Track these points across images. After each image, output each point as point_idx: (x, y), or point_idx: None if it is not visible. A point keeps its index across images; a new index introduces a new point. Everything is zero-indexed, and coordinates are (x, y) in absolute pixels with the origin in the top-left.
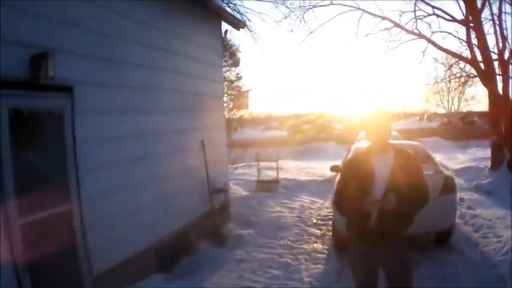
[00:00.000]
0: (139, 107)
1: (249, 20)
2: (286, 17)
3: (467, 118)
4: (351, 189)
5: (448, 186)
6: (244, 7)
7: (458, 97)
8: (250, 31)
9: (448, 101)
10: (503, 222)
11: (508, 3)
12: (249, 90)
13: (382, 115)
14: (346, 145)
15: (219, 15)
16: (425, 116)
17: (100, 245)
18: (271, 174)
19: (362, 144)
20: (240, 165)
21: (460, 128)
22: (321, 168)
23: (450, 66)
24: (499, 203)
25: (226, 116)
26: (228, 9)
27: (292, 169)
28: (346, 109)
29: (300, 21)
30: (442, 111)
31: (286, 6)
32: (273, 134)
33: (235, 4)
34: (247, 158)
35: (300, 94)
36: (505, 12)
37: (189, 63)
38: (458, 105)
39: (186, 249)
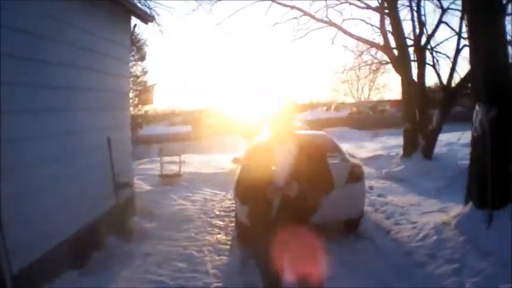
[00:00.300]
0: (46, 106)
1: (157, 14)
2: (194, 10)
3: (378, 107)
4: (254, 178)
5: (355, 174)
6: (153, 1)
7: (369, 85)
8: (158, 25)
9: (357, 90)
10: (418, 209)
11: None
12: (154, 85)
13: (286, 106)
14: (250, 137)
15: (129, 9)
16: (333, 106)
17: (17, 242)
18: (174, 168)
19: (266, 135)
20: (144, 160)
21: (370, 117)
22: (224, 161)
23: (360, 54)
24: (412, 189)
25: (132, 112)
26: (138, 4)
27: (195, 163)
28: (252, 102)
29: (208, 13)
30: (351, 100)
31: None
32: (178, 129)
33: None
34: (152, 153)
35: (205, 89)
36: None
37: (97, 58)
38: (369, 94)
39: (95, 244)
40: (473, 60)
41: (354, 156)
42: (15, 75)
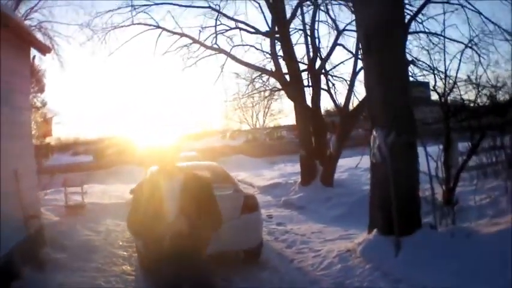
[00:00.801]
0: None
1: (57, 44)
2: (89, 39)
3: (274, 133)
4: (143, 213)
5: (250, 205)
6: (53, 30)
7: (264, 112)
8: (57, 55)
9: (252, 117)
10: (320, 237)
11: (322, 11)
12: (53, 117)
13: (167, 144)
14: (146, 167)
15: (28, 40)
16: (228, 134)
17: None
18: (78, 198)
19: (154, 169)
20: (49, 191)
21: (267, 144)
22: (123, 191)
23: (252, 81)
24: (313, 217)
25: (35, 143)
26: (39, 34)
27: (98, 193)
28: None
29: (102, 42)
30: (246, 127)
31: (90, 29)
32: (81, 158)
33: (46, 28)
34: (55, 183)
35: (105, 117)
36: (318, 21)
37: (2, 91)
38: (264, 120)
39: (12, 275)
40: (368, 81)
41: (251, 185)
42: None
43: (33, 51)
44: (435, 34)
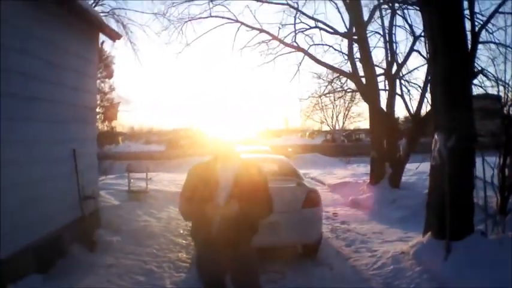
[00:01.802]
0: (14, 116)
1: (131, 31)
2: (165, 29)
3: (353, 135)
4: (195, 195)
5: (312, 199)
6: (127, 18)
7: (344, 114)
8: (131, 43)
9: (332, 118)
10: (379, 237)
11: (399, 15)
12: (120, 102)
13: (227, 138)
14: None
15: (97, 26)
16: (307, 133)
17: None
18: (142, 185)
19: (212, 154)
20: (112, 176)
21: (344, 145)
22: None
23: (330, 82)
24: (376, 218)
25: (100, 127)
26: (111, 21)
27: (164, 181)
28: (223, 125)
29: (179, 33)
30: (326, 128)
31: (167, 19)
32: (152, 148)
33: (118, 15)
34: (121, 169)
35: (180, 108)
36: (395, 25)
37: (65, 73)
38: (343, 122)
39: (60, 252)
40: (433, 85)
41: (322, 182)
42: None
43: (103, 37)
44: (503, 45)
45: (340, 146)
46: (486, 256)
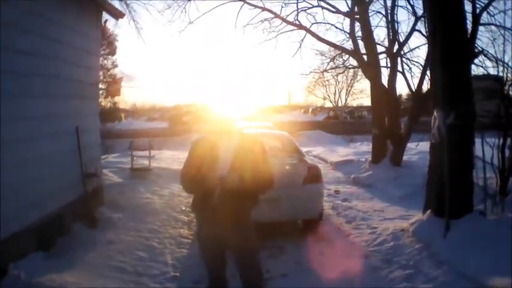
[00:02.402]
0: (16, 92)
1: (134, 10)
2: (168, 7)
3: (355, 112)
4: (196, 168)
5: (313, 175)
6: None
7: (346, 90)
8: (134, 21)
9: (334, 94)
10: (380, 215)
11: None
12: (122, 78)
13: (228, 115)
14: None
15: (99, 4)
16: (310, 110)
17: None
18: (146, 162)
19: (249, 131)
20: (115, 154)
21: (347, 123)
22: None
23: (333, 58)
24: (378, 195)
25: (103, 104)
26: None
27: (167, 159)
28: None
29: (182, 11)
30: (329, 105)
31: None
32: (155, 125)
33: None
34: (123, 147)
35: (183, 85)
36: (397, 6)
37: (68, 50)
38: (346, 99)
39: (61, 229)
40: (432, 63)
41: (325, 160)
42: None
43: (107, 16)
44: (503, 27)
45: (343, 123)
46: (485, 235)
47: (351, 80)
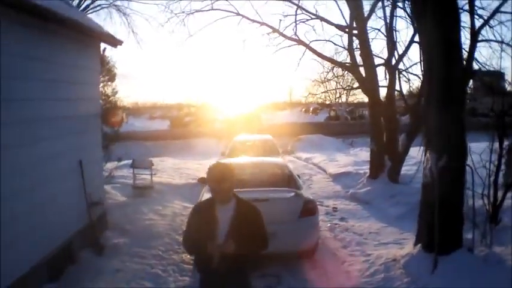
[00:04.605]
0: (21, 139)
1: (133, 20)
2: (168, 19)
3: (355, 111)
4: (197, 233)
5: (308, 209)
6: (130, 8)
7: (347, 92)
8: (134, 32)
9: (334, 94)
10: (376, 238)
11: (400, 8)
12: (124, 107)
13: (225, 168)
14: (225, 140)
15: (97, 37)
16: (311, 109)
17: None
18: (147, 177)
19: (241, 137)
20: (122, 163)
21: (347, 124)
22: (195, 169)
23: (332, 68)
24: (375, 214)
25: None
26: (114, 12)
27: (169, 169)
28: (228, 100)
29: (181, 25)
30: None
31: (171, 11)
32: (156, 124)
33: (118, 6)
34: (131, 154)
35: (184, 82)
36: (396, 16)
37: (69, 87)
38: (347, 98)
39: (70, 258)
40: (426, 108)
41: (325, 170)
42: None
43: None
44: (505, 43)
45: (344, 124)
46: (471, 272)
47: (351, 80)
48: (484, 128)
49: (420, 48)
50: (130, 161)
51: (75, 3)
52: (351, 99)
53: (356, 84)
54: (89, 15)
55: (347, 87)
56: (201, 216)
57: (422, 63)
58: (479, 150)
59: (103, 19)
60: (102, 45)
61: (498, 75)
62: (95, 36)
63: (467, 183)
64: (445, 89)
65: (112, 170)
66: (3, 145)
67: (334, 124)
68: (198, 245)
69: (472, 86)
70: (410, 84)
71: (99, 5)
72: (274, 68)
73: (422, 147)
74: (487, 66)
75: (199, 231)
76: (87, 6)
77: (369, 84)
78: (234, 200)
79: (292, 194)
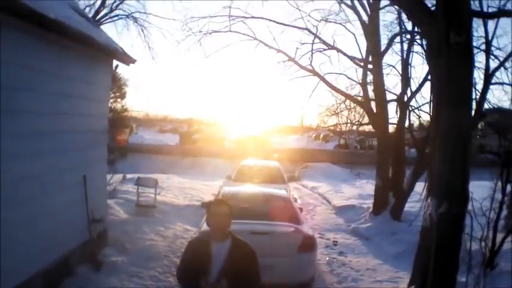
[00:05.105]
0: (26, 151)
1: (150, 33)
2: (185, 38)
3: (365, 141)
4: (191, 270)
5: (307, 244)
6: (148, 22)
7: (359, 120)
8: (149, 47)
9: (346, 124)
10: (372, 275)
11: (417, 44)
12: (132, 126)
13: (223, 206)
14: (233, 162)
15: (110, 54)
16: (321, 136)
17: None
18: (151, 195)
19: (249, 162)
20: (129, 176)
21: (357, 153)
22: (200, 190)
23: (344, 101)
24: (374, 251)
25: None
26: (131, 24)
27: (174, 188)
28: (239, 120)
29: (198, 45)
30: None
31: (190, 29)
32: (166, 138)
33: (136, 18)
34: (140, 167)
35: (196, 99)
36: (412, 52)
37: (77, 102)
38: (358, 127)
39: (67, 272)
40: (432, 158)
41: (329, 201)
42: None
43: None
44: None
45: (353, 153)
46: None
47: (363, 112)
48: (491, 165)
49: (431, 88)
50: (135, 176)
51: (92, 12)
52: (361, 128)
53: (366, 119)
54: (106, 25)
55: (357, 123)
56: (196, 251)
57: (431, 102)
58: (481, 191)
59: (119, 31)
60: (115, 61)
61: (507, 114)
62: (108, 53)
63: (466, 227)
64: (451, 130)
65: (117, 184)
66: (7, 155)
67: (343, 153)
68: (191, 280)
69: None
70: (421, 121)
71: (117, 15)
72: (288, 92)
73: (426, 184)
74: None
75: (194, 266)
76: (105, 14)
77: (379, 120)
78: (230, 239)
79: (292, 229)
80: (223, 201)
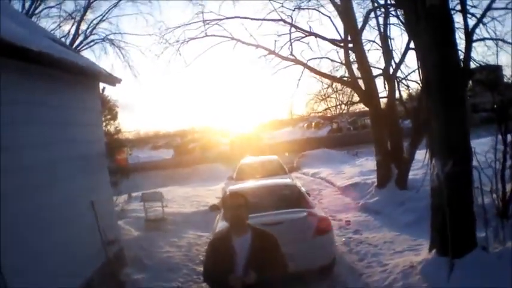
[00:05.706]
0: (30, 186)
1: (128, 53)
2: (163, 52)
3: (357, 121)
4: (217, 267)
5: (323, 227)
6: (124, 41)
7: (348, 100)
8: (130, 66)
9: (336, 107)
10: (391, 247)
11: (393, 15)
12: (127, 147)
13: (239, 197)
14: (232, 164)
15: (96, 78)
16: (313, 124)
17: None
18: (159, 209)
19: (248, 160)
20: (134, 194)
21: (350, 134)
22: (204, 195)
23: (331, 84)
24: (387, 223)
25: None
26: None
27: (178, 198)
28: (229, 121)
29: (176, 55)
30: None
31: (166, 40)
32: (160, 154)
33: (112, 40)
34: (140, 185)
35: (185, 110)
36: (389, 24)
37: (73, 129)
38: (348, 108)
39: None
40: (428, 117)
41: (332, 184)
42: None
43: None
44: (502, 40)
45: (347, 135)
46: (487, 271)
47: (351, 92)
48: (486, 122)
49: (416, 55)
50: (139, 193)
51: (68, 41)
52: (352, 109)
53: (356, 98)
54: (84, 51)
55: (348, 103)
56: (219, 250)
57: (419, 69)
58: (483, 147)
59: (97, 56)
60: (101, 84)
61: (495, 69)
62: (93, 77)
63: (475, 181)
64: (443, 91)
65: (123, 204)
66: (25, 189)
67: (337, 136)
68: (219, 279)
69: (470, 83)
70: (410, 90)
71: (93, 41)
72: (273, 85)
73: (427, 151)
74: (484, 64)
75: (219, 265)
76: (81, 42)
77: (369, 97)
78: (250, 231)
79: (305, 213)
80: (238, 193)
